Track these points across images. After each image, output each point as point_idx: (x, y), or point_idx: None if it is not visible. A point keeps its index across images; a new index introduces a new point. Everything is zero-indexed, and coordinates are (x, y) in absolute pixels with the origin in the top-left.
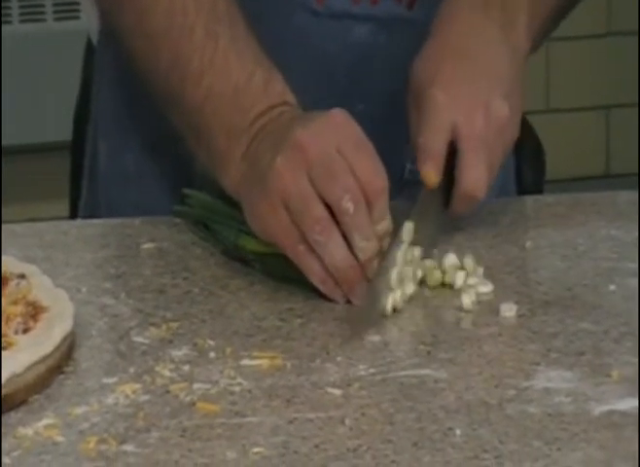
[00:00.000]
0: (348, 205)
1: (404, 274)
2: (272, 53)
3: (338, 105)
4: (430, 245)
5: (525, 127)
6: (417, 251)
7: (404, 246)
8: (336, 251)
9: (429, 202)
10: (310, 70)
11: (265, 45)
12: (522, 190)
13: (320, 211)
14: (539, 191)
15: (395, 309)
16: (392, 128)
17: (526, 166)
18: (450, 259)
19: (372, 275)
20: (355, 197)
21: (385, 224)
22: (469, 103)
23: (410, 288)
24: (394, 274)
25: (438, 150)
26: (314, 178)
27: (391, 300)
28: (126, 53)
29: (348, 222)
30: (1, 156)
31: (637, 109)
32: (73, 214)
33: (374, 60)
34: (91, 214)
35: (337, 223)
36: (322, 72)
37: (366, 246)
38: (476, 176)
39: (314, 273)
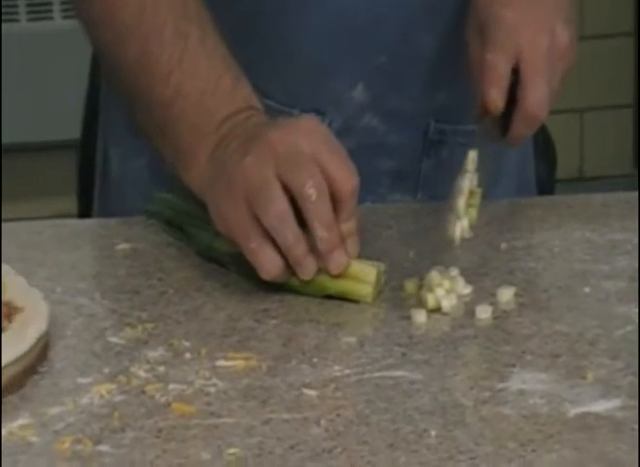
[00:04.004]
0: (311, 192)
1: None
2: (293, 9)
3: (359, 58)
4: (486, 173)
5: None
6: (475, 179)
7: (469, 175)
8: (289, 232)
9: (489, 129)
10: (330, 22)
11: (284, 2)
12: (537, 182)
13: (276, 193)
14: (552, 183)
15: (462, 237)
16: (414, 84)
17: (539, 159)
18: (435, 278)
19: (335, 270)
20: (318, 184)
21: (351, 224)
22: (535, 27)
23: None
24: (461, 203)
25: (504, 74)
26: (280, 170)
27: (459, 228)
28: (93, 45)
29: (310, 209)
30: (1, 155)
31: (611, 112)
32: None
33: (395, 11)
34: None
35: (301, 218)
36: (341, 24)
37: (327, 238)
38: (538, 96)
39: (265, 271)
